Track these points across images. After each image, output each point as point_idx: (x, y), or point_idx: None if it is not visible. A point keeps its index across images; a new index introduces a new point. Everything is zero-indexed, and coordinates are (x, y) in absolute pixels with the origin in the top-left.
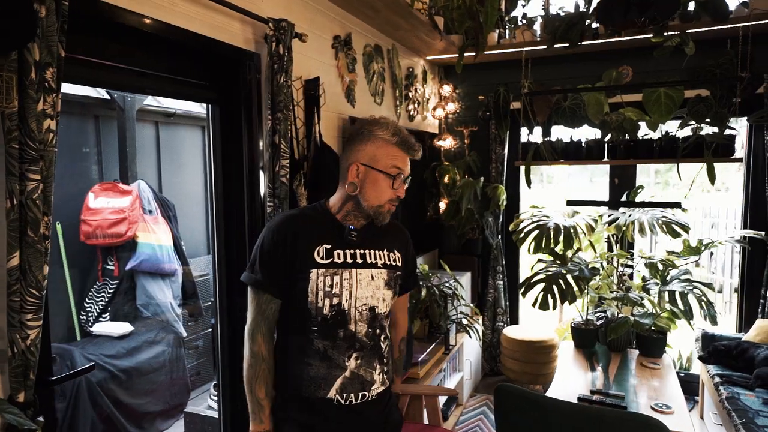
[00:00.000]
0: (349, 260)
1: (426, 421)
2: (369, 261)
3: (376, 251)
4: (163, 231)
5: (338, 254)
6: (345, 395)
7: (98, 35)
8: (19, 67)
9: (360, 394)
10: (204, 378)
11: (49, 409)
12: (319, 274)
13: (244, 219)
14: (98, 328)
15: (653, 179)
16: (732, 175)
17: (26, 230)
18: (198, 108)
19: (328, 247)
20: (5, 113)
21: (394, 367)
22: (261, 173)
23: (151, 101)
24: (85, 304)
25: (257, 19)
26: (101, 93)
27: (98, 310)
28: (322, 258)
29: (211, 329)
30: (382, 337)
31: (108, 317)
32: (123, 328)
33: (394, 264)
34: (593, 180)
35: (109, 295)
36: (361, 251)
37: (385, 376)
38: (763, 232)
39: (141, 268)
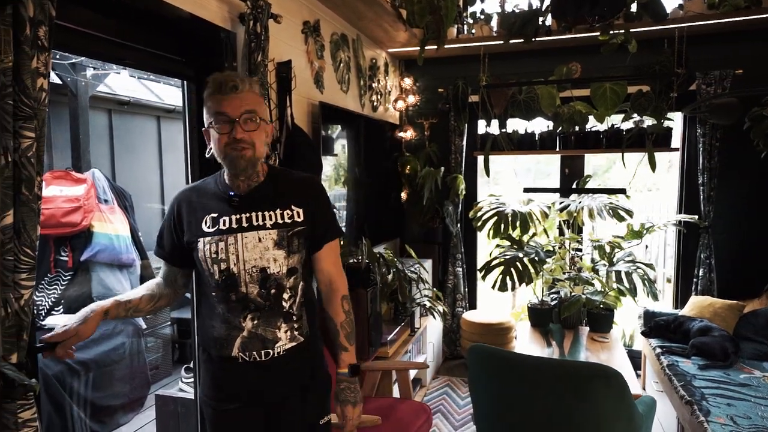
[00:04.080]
0: (234, 225)
1: (397, 394)
2: (255, 224)
3: (266, 212)
4: (120, 221)
5: (223, 221)
6: (247, 353)
7: (78, 2)
8: (14, 22)
9: (263, 351)
10: (163, 372)
11: (36, 378)
12: (205, 242)
13: None
14: (51, 321)
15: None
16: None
17: (20, 188)
18: (152, 97)
19: (215, 215)
20: (0, 68)
21: (344, 332)
22: None
23: (103, 88)
24: (35, 298)
25: None
26: (51, 77)
27: (50, 303)
28: (209, 227)
29: (169, 322)
30: (284, 296)
31: (61, 310)
32: None
33: (288, 222)
34: (536, 181)
35: (62, 287)
36: (247, 215)
37: (296, 333)
38: (696, 216)
39: (97, 258)
